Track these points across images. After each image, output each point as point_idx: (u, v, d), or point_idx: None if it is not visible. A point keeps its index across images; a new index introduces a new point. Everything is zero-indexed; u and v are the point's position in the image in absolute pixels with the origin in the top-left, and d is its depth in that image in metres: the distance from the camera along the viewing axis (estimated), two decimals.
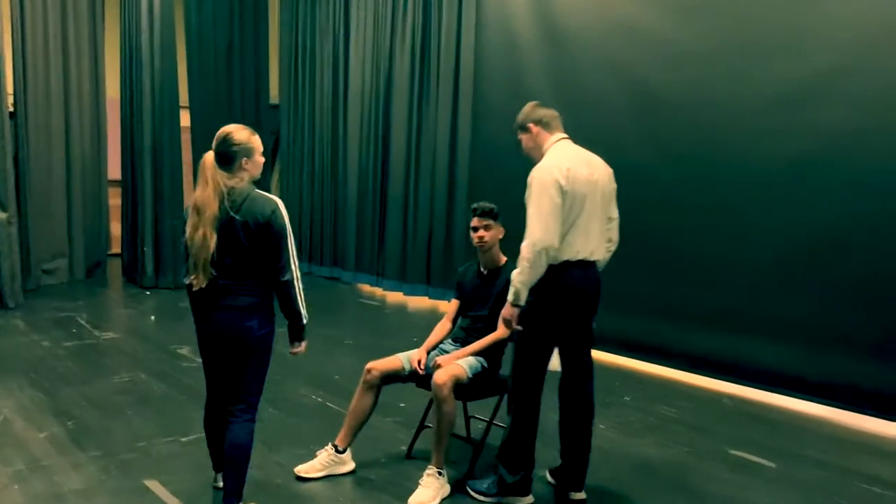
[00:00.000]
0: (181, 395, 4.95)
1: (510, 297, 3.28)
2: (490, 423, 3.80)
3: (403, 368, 3.83)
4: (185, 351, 5.95)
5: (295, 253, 3.11)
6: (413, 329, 7.20)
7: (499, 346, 3.82)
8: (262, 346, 3.16)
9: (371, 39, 8.66)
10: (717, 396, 5.25)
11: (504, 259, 3.93)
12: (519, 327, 3.46)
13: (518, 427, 3.41)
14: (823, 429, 4.69)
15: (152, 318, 7.26)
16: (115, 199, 9.58)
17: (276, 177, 10.59)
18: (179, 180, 8.68)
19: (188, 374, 5.36)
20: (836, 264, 4.84)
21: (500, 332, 3.77)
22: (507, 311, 3.35)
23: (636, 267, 5.67)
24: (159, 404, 4.77)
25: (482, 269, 3.96)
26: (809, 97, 4.95)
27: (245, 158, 3.10)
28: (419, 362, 3.80)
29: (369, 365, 3.82)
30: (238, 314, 3.09)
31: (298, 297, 3.10)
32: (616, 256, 3.65)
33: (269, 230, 3.03)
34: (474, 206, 3.92)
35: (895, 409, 4.60)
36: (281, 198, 9.86)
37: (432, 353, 3.92)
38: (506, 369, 3.85)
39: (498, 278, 3.86)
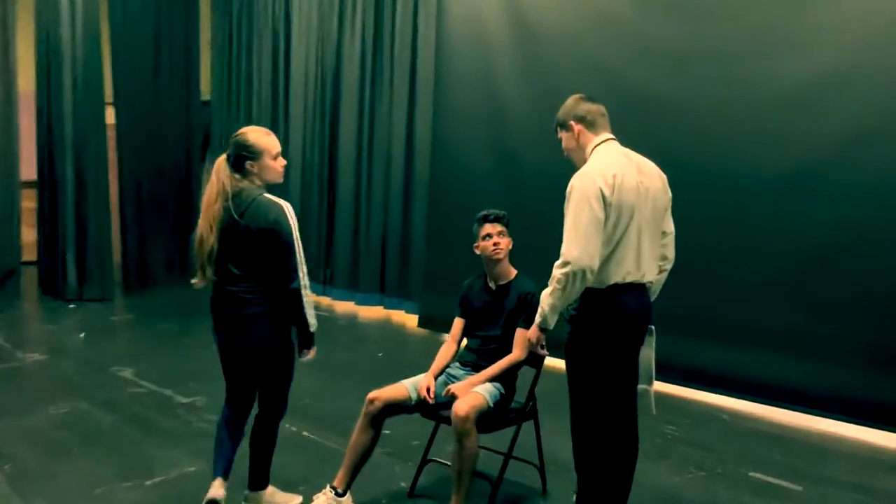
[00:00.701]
0: (134, 427, 4.37)
1: (538, 318, 2.91)
2: (508, 457, 3.39)
3: (409, 398, 3.39)
4: (127, 373, 5.32)
5: (303, 259, 3.01)
6: (370, 342, 6.76)
7: (514, 369, 3.44)
8: (277, 357, 3.10)
9: (316, 29, 8.10)
10: (712, 411, 5.00)
11: (514, 272, 3.55)
12: (545, 352, 3.11)
13: (593, 489, 2.95)
14: (834, 445, 4.47)
15: (82, 335, 6.54)
16: (27, 202, 8.74)
17: (205, 176, 9.87)
18: (104, 181, 7.92)
19: (137, 402, 4.77)
20: (839, 273, 4.65)
21: (517, 353, 3.40)
22: (533, 333, 2.99)
23: None
24: (110, 440, 4.18)
25: (490, 284, 3.56)
26: (811, 99, 4.74)
27: (250, 161, 3.02)
28: (428, 390, 3.38)
29: (371, 395, 3.37)
30: (247, 324, 3.03)
31: (306, 305, 3.00)
32: None
33: (273, 237, 2.95)
34: (485, 212, 3.53)
35: None
36: None
37: (439, 378, 3.50)
38: (521, 395, 3.49)
39: (509, 293, 3.48)
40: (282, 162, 3.10)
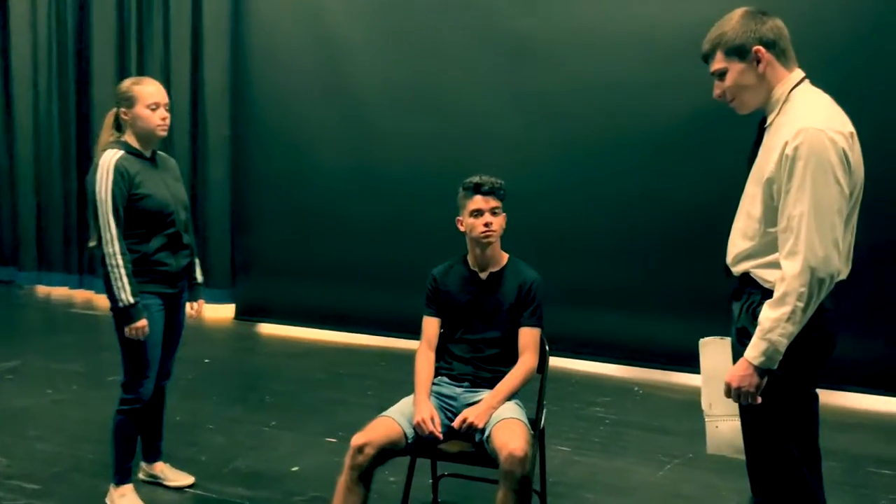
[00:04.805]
0: None
1: (757, 356, 1.88)
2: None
3: (404, 436, 2.49)
4: None
5: (111, 223, 2.69)
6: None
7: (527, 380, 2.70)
8: (117, 321, 2.80)
9: None
10: (623, 384, 4.67)
11: (506, 257, 2.77)
12: (759, 400, 1.94)
13: None
14: None
15: None
16: None
17: None
18: None
19: None
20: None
21: (531, 359, 2.67)
22: (748, 378, 1.90)
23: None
24: None
25: (479, 273, 2.74)
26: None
27: (124, 109, 2.83)
28: (433, 421, 2.50)
29: (357, 440, 2.41)
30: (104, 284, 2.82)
31: (112, 276, 2.70)
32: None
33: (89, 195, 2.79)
34: (476, 180, 2.66)
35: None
36: None
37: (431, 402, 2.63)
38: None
39: (504, 284, 2.71)
40: (162, 114, 2.84)
